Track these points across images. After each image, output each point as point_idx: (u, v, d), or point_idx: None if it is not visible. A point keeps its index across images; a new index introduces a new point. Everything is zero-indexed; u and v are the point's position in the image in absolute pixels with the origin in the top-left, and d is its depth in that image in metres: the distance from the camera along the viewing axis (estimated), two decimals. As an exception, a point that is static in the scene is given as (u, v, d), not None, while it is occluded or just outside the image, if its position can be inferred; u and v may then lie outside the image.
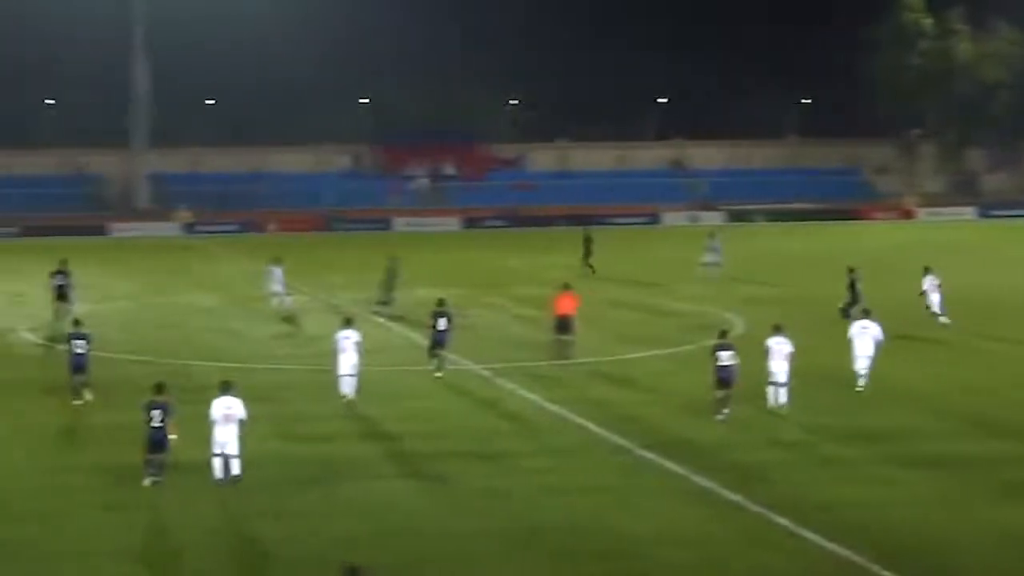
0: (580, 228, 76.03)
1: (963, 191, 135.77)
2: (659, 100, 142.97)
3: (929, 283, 51.80)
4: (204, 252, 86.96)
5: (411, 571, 24.52)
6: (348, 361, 38.10)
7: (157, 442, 29.43)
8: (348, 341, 38.20)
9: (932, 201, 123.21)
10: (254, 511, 27.80)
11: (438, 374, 41.94)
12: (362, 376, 38.45)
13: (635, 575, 24.41)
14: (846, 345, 39.96)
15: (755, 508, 27.66)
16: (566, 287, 46.27)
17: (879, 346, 39.78)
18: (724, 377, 35.58)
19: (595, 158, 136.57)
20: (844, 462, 31.70)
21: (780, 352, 36.65)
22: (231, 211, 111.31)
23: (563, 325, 44.74)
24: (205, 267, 77.27)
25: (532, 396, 38.82)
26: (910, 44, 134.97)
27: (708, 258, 67.55)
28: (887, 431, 34.61)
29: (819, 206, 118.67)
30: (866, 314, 41.54)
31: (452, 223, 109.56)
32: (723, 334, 37.10)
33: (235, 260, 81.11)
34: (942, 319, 50.81)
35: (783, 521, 26.79)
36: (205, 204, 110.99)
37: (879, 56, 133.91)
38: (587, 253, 69.52)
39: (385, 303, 55.09)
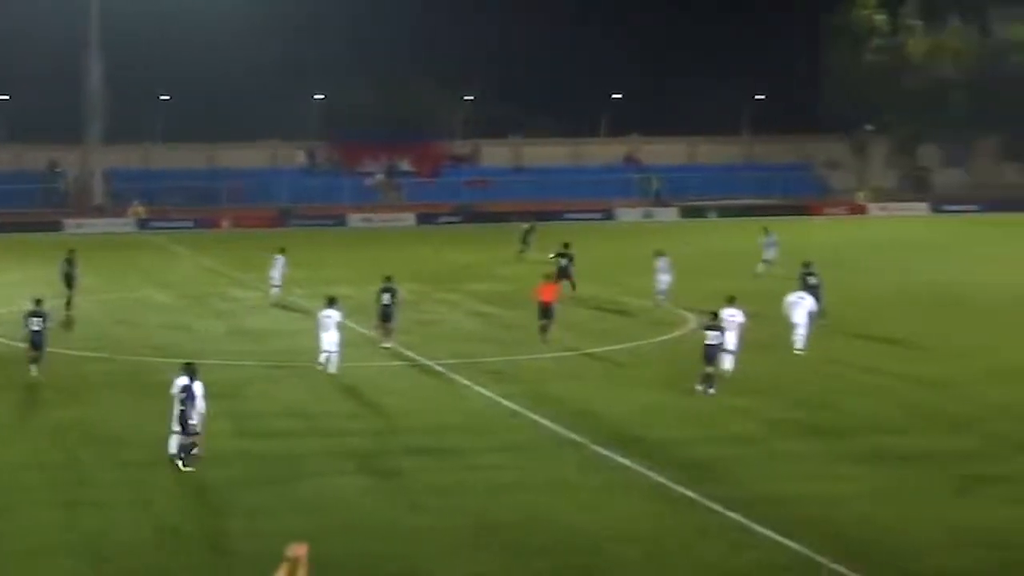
0: (527, 221, 77.70)
1: (915, 187, 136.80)
2: (613, 96, 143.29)
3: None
4: (158, 248, 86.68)
5: (363, 567, 24.56)
6: (329, 338, 41.05)
7: (182, 424, 30.47)
8: (329, 320, 41.16)
9: (884, 197, 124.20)
10: (210, 507, 27.91)
11: (386, 345, 45.34)
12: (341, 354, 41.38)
13: (585, 570, 24.38)
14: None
15: (707, 503, 27.74)
16: (547, 278, 49.38)
17: (812, 316, 44.59)
18: (708, 355, 38.23)
19: (549, 154, 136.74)
20: (797, 457, 31.80)
21: (731, 323, 40.22)
22: (186, 207, 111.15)
23: (545, 311, 47.26)
24: (159, 263, 77.05)
25: (486, 392, 38.94)
26: (863, 40, 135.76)
27: (768, 255, 67.93)
28: (841, 426, 34.81)
29: (772, 202, 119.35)
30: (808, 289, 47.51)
31: (407, 219, 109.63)
32: (713, 316, 39.74)
33: (190, 256, 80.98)
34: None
35: (735, 516, 26.84)
36: (162, 200, 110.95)
37: (832, 52, 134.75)
38: (525, 243, 73.72)
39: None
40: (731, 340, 40.02)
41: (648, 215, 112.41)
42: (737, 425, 34.94)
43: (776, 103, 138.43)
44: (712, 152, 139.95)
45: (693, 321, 50.70)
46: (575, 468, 30.84)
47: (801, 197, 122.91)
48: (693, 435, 33.79)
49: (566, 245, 61.06)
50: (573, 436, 33.56)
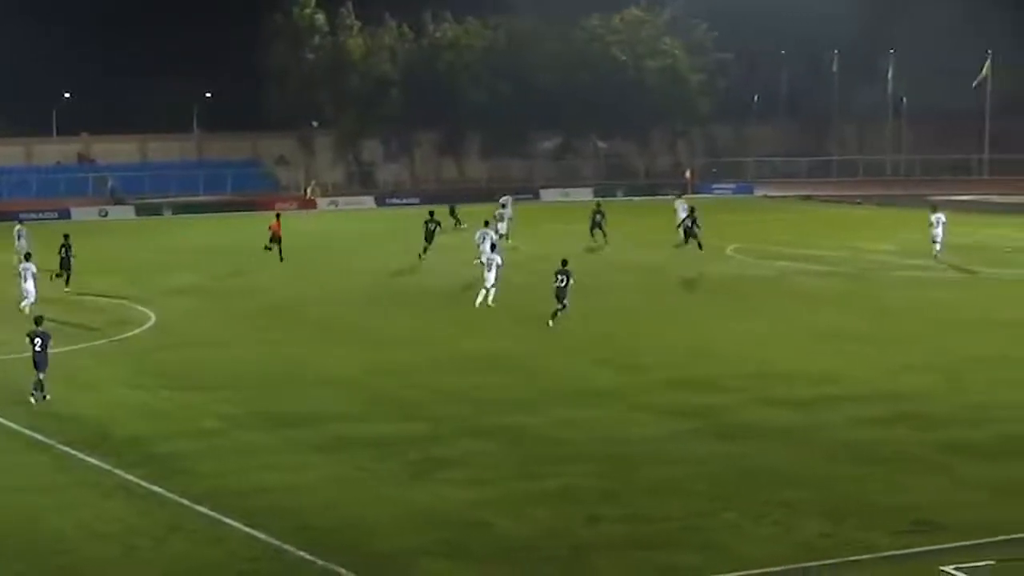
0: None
1: (361, 181, 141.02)
2: (64, 94, 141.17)
3: None
4: None
5: None
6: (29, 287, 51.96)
7: (38, 364, 36.64)
8: (27, 271, 52.21)
9: (332, 191, 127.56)
10: None
11: None
12: None
13: (63, 571, 24.52)
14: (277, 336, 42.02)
15: (177, 499, 28.16)
16: (278, 216, 70.07)
17: None
18: (557, 295, 46.96)
19: (1, 153, 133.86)
20: (260, 449, 32.51)
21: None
22: None
23: (275, 239, 68.20)
24: None
25: (-57, 395, 37.97)
26: (304, 39, 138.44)
27: (503, 228, 73.48)
28: (301, 416, 35.69)
29: (225, 198, 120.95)
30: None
31: None
32: (564, 263, 47.63)
33: None
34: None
35: (203, 510, 27.34)
36: None
37: (276, 51, 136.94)
38: None
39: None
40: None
41: (104, 213, 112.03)
42: (200, 420, 35.58)
43: (225, 100, 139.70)
44: (163, 150, 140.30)
45: (153, 318, 51.61)
46: (45, 470, 30.95)
47: (252, 193, 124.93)
48: (158, 431, 34.16)
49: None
50: (40, 438, 33.59)
